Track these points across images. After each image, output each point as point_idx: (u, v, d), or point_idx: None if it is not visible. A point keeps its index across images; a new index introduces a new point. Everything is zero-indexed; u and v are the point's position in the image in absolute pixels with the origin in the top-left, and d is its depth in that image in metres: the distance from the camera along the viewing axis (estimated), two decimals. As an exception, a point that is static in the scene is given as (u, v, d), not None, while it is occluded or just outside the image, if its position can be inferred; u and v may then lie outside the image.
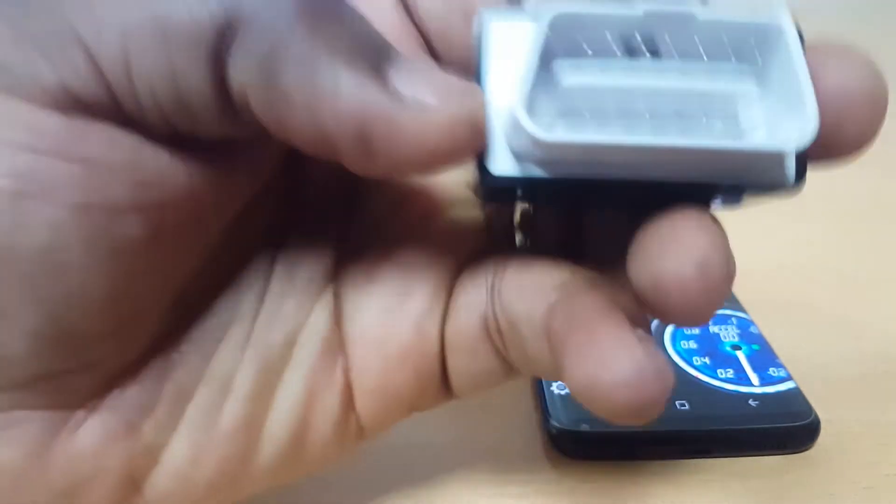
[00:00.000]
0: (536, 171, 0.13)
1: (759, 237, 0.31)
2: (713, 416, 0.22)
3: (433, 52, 0.15)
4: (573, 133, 0.12)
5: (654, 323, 0.26)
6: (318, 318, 0.16)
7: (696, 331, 0.26)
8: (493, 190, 0.13)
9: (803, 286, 0.30)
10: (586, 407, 0.13)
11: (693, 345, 0.25)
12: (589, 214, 0.17)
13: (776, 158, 0.12)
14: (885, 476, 0.21)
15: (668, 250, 0.12)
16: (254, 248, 0.16)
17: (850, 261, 0.32)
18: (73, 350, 0.13)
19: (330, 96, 0.11)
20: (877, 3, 0.76)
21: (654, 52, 0.12)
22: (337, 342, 0.16)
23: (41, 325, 0.12)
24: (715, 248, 0.12)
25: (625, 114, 0.12)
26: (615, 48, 0.12)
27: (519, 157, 0.13)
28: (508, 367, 0.16)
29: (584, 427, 0.22)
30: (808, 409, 0.23)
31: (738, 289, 0.29)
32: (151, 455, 0.15)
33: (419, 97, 0.12)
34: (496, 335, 0.16)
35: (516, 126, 0.12)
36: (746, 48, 0.12)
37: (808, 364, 0.25)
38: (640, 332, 0.13)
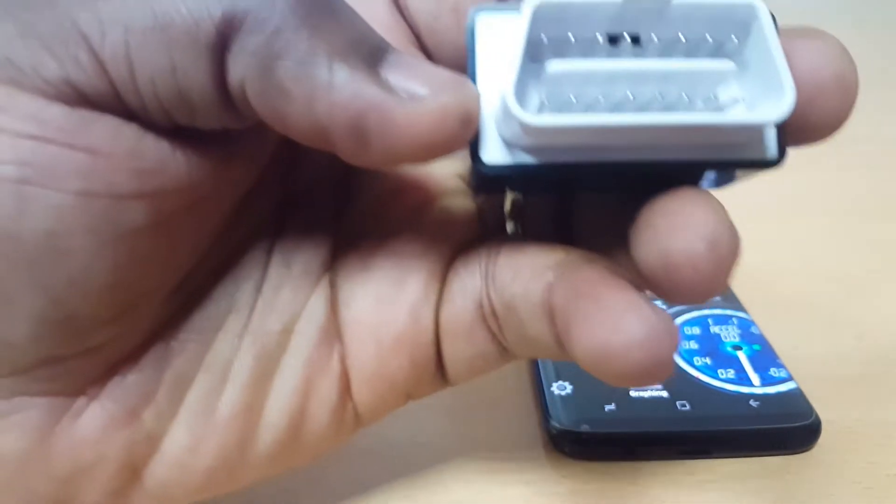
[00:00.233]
0: (527, 159, 0.13)
1: (759, 237, 0.31)
2: (714, 417, 0.22)
3: (424, 50, 0.15)
4: (561, 116, 0.12)
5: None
6: (315, 307, 0.16)
7: (696, 331, 0.26)
8: (487, 178, 0.14)
9: (803, 286, 0.30)
10: (597, 375, 0.13)
11: (694, 345, 0.25)
12: (579, 203, 0.17)
13: (757, 131, 0.13)
14: (885, 476, 0.21)
15: (677, 228, 0.12)
16: (251, 238, 0.16)
17: (850, 261, 0.32)
18: (76, 335, 0.13)
19: (325, 90, 0.12)
20: (877, 3, 0.76)
21: (636, 39, 0.13)
22: (333, 330, 0.16)
23: (44, 309, 0.13)
24: (722, 225, 0.12)
25: (609, 97, 0.13)
26: (598, 36, 0.13)
27: (510, 145, 0.13)
28: (503, 351, 0.16)
29: (585, 427, 0.22)
30: (809, 410, 0.22)
31: (739, 289, 0.29)
32: (151, 442, 0.15)
33: (411, 89, 0.12)
34: (491, 319, 0.16)
35: (506, 113, 0.12)
36: (723, 29, 0.13)
37: (809, 364, 0.25)
38: (645, 294, 0.13)
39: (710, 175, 0.14)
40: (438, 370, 0.17)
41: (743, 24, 0.13)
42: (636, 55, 0.13)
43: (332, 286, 0.17)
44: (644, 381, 0.12)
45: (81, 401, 0.14)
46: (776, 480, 0.21)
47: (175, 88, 0.12)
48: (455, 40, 0.14)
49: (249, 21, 0.12)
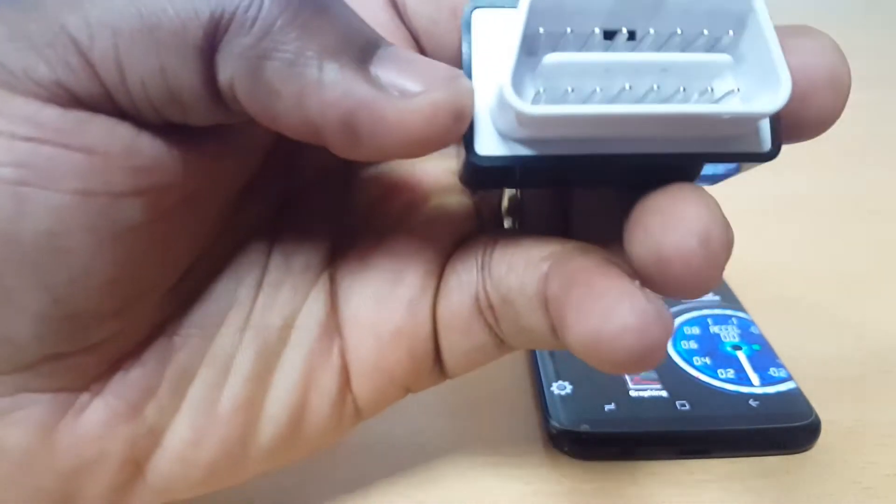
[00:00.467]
0: (523, 150, 0.13)
1: (759, 237, 0.31)
2: (713, 417, 0.22)
3: (423, 52, 0.15)
4: (556, 106, 0.12)
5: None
6: (315, 302, 0.17)
7: (696, 331, 0.26)
8: (480, 171, 0.14)
9: (803, 286, 0.30)
10: (590, 362, 0.13)
11: (693, 345, 0.25)
12: (577, 197, 0.17)
13: (752, 124, 0.13)
14: (885, 476, 0.21)
15: (670, 224, 0.13)
16: (251, 235, 0.17)
17: (850, 261, 0.32)
18: (78, 332, 0.14)
19: (315, 88, 0.12)
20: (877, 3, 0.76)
21: (632, 31, 0.13)
22: (333, 325, 0.17)
23: (46, 307, 0.13)
24: (715, 221, 0.13)
25: (606, 89, 0.13)
26: (594, 29, 0.13)
27: (505, 137, 0.13)
28: (500, 343, 0.16)
29: (585, 427, 0.22)
30: (809, 410, 0.22)
31: (739, 289, 0.29)
32: (154, 437, 0.15)
33: (403, 85, 0.12)
34: (488, 311, 0.16)
35: (502, 103, 0.12)
36: (719, 23, 0.13)
37: (809, 364, 0.25)
38: (638, 282, 0.13)
39: (711, 167, 0.14)
40: (437, 363, 0.17)
41: (739, 17, 0.13)
42: (632, 45, 0.13)
43: (332, 282, 0.17)
44: (637, 367, 0.12)
45: (84, 397, 0.15)
46: (776, 480, 0.21)
47: (165, 89, 0.12)
48: (454, 44, 0.14)
49: (237, 21, 0.12)
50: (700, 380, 0.24)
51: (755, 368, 0.24)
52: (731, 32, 0.13)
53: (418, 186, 0.17)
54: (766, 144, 0.13)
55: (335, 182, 0.17)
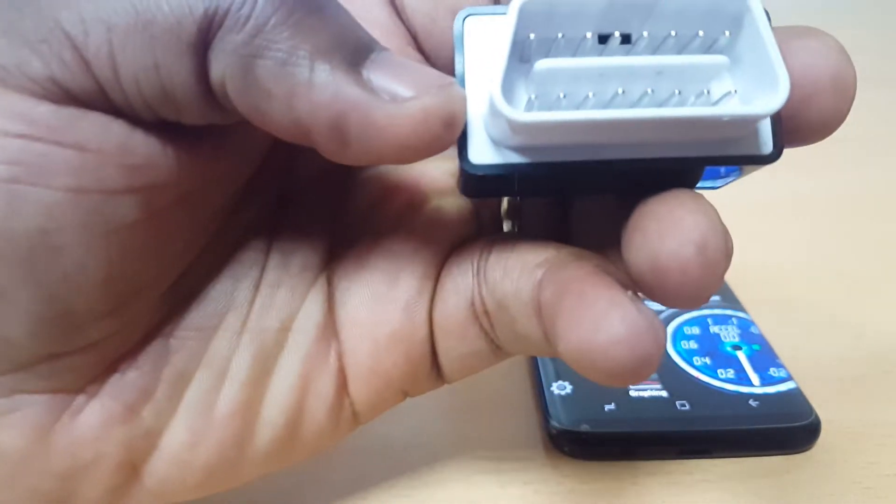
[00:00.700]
0: (516, 158, 0.13)
1: (759, 237, 0.31)
2: (713, 417, 0.22)
3: (422, 52, 0.15)
4: (548, 112, 0.12)
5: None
6: (312, 305, 0.16)
7: (696, 331, 0.26)
8: (475, 179, 0.14)
9: (803, 286, 0.30)
10: (581, 372, 0.13)
11: (693, 345, 0.25)
12: (576, 202, 0.17)
13: (751, 126, 0.13)
14: (885, 476, 0.21)
15: (667, 232, 0.12)
16: (248, 237, 0.16)
17: (850, 261, 0.32)
18: (73, 331, 0.13)
19: (305, 89, 0.12)
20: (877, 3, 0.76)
21: (626, 35, 0.13)
22: (330, 328, 0.16)
23: (41, 306, 0.13)
24: (712, 229, 0.12)
25: (599, 94, 0.12)
26: (587, 34, 0.13)
27: (499, 144, 0.13)
28: (496, 349, 0.16)
29: (584, 427, 0.22)
30: (809, 410, 0.22)
31: (739, 289, 0.29)
32: (150, 440, 0.15)
33: (394, 90, 0.12)
34: (483, 317, 0.16)
35: (494, 111, 0.12)
36: (714, 24, 0.13)
37: (808, 364, 0.25)
38: (630, 293, 0.13)
39: (712, 171, 0.14)
40: (433, 367, 0.17)
41: (735, 17, 0.12)
42: (627, 53, 0.13)
43: (329, 284, 0.17)
44: (627, 379, 0.12)
45: (81, 398, 0.14)
46: (776, 480, 0.21)
47: (159, 86, 0.12)
48: (452, 42, 0.14)
49: (230, 18, 0.12)
50: (700, 380, 0.24)
51: (755, 368, 0.24)
52: (727, 33, 0.13)
53: (417, 188, 0.17)
54: (768, 146, 0.13)
55: (334, 183, 0.17)
